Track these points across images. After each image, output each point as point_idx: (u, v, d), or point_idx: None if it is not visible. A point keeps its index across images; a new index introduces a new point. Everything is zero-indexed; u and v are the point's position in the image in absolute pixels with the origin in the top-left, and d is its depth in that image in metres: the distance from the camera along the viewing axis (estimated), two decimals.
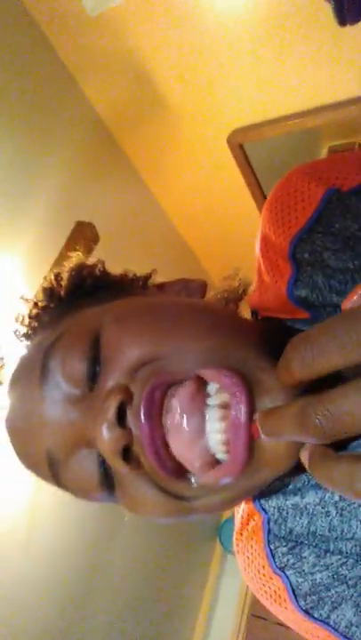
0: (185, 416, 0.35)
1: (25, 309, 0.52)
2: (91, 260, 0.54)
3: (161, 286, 0.53)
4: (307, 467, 0.27)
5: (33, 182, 1.59)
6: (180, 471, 0.36)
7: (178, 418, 0.36)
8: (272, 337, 0.39)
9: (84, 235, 1.62)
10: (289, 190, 0.48)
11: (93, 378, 0.39)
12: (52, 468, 0.41)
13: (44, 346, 0.42)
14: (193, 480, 0.36)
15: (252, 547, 0.48)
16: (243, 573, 0.49)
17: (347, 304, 0.27)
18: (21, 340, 0.50)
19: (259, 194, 1.86)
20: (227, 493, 0.37)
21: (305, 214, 0.47)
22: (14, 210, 1.52)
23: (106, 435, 0.35)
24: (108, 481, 0.39)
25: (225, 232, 2.16)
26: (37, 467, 0.42)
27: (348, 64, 1.48)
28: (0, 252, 1.45)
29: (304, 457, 0.28)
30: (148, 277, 0.54)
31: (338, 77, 1.52)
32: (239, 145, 1.75)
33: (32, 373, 0.41)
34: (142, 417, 0.35)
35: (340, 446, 0.27)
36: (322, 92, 1.58)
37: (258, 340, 0.38)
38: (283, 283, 0.47)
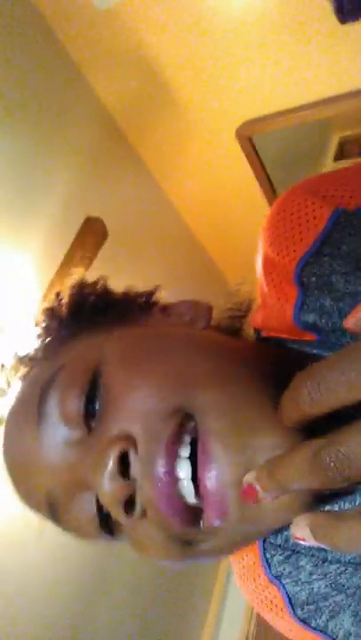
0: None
1: (31, 332, 0.50)
2: (92, 278, 0.52)
3: (165, 309, 0.50)
4: (307, 536, 0.26)
5: (43, 179, 1.59)
6: (191, 517, 0.34)
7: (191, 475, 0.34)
8: (277, 363, 0.38)
9: (93, 230, 1.62)
10: (292, 210, 0.46)
11: (93, 418, 0.37)
12: (51, 510, 0.40)
13: (40, 382, 0.41)
14: (201, 524, 0.34)
15: (247, 555, 0.47)
16: (238, 582, 0.49)
17: (349, 322, 0.26)
18: (24, 367, 0.49)
19: (268, 187, 1.84)
20: (229, 537, 0.35)
21: (311, 236, 0.44)
22: (25, 206, 1.52)
23: (107, 487, 0.34)
24: (108, 525, 0.38)
25: (235, 226, 2.14)
26: (37, 507, 0.41)
27: (356, 54, 1.45)
28: (11, 247, 1.45)
29: (303, 528, 0.26)
30: (151, 294, 0.52)
31: (347, 68, 1.50)
32: (248, 138, 1.73)
33: (28, 412, 0.40)
34: (159, 490, 0.33)
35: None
36: (331, 83, 1.55)
37: (261, 377, 0.37)
38: (289, 307, 0.45)
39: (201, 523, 0.34)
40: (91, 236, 1.61)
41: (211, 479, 0.32)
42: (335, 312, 0.43)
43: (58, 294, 0.51)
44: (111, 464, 0.34)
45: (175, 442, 0.33)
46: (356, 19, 0.73)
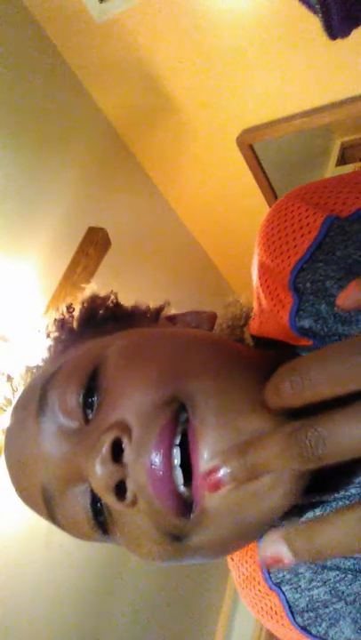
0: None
1: (38, 341, 0.51)
2: (104, 292, 0.53)
3: (172, 318, 0.51)
4: (284, 553, 0.25)
5: (45, 188, 1.60)
6: (181, 507, 0.34)
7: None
8: (272, 359, 0.39)
9: (95, 240, 1.62)
10: (286, 217, 0.46)
11: (91, 410, 0.38)
12: (46, 505, 0.40)
13: (44, 376, 0.41)
14: (191, 516, 0.34)
15: (246, 562, 0.47)
16: (238, 589, 0.49)
17: (341, 299, 0.27)
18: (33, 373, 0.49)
19: (270, 194, 1.84)
20: (217, 529, 0.35)
21: (305, 242, 0.45)
22: (28, 215, 1.54)
23: (99, 470, 0.34)
24: (102, 519, 0.38)
25: (237, 233, 2.15)
26: (33, 502, 0.41)
27: (357, 60, 1.46)
28: (14, 256, 1.47)
29: (275, 543, 0.25)
30: (160, 309, 0.53)
31: (347, 73, 1.50)
32: (249, 145, 1.74)
33: (30, 404, 0.41)
34: (153, 475, 0.33)
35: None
36: (331, 89, 1.55)
37: (255, 370, 0.37)
38: (284, 313, 0.45)
39: (191, 515, 0.34)
40: (94, 245, 1.61)
41: (198, 462, 0.33)
42: (330, 317, 0.43)
43: (69, 306, 0.51)
44: (104, 450, 0.34)
45: (170, 429, 0.34)
46: (345, 36, 0.74)
